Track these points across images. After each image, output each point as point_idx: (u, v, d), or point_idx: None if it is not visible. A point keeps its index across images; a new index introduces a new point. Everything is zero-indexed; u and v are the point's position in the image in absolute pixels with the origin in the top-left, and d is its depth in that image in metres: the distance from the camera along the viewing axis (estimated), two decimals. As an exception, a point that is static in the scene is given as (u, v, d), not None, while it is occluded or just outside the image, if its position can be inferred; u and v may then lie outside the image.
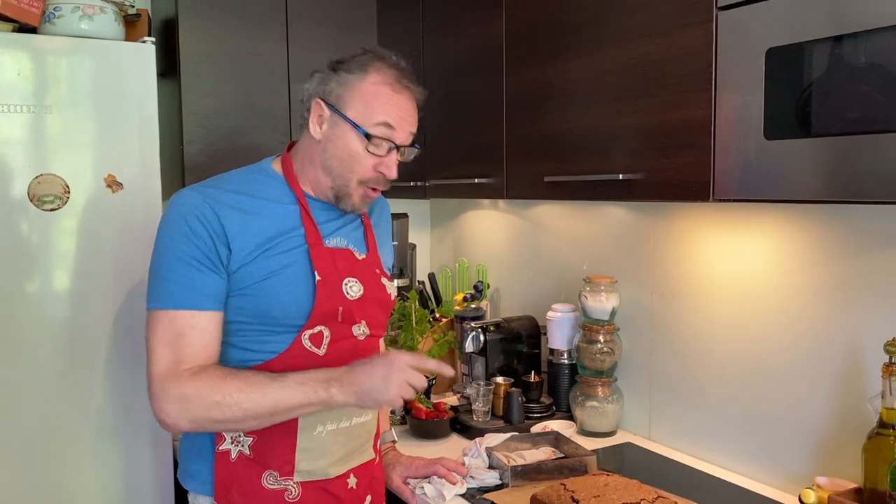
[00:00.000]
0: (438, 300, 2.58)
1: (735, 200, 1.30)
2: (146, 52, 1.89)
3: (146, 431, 1.92)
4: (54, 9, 1.83)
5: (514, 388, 2.03)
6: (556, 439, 1.80)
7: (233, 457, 1.34)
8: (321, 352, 1.36)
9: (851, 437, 1.44)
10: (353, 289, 1.39)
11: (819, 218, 1.53)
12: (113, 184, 1.85)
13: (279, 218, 1.36)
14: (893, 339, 1.32)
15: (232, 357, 1.35)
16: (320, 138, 1.37)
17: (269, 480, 1.35)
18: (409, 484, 1.61)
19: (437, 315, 2.46)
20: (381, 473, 1.58)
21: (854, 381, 1.47)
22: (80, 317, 1.83)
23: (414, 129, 1.40)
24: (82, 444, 1.85)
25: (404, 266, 2.60)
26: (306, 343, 1.35)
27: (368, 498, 1.48)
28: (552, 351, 2.13)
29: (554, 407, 2.09)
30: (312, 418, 1.35)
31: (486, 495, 1.56)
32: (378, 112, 1.34)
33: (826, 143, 1.13)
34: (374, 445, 1.51)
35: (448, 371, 1.36)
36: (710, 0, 1.29)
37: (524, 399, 2.04)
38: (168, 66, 2.25)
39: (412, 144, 1.41)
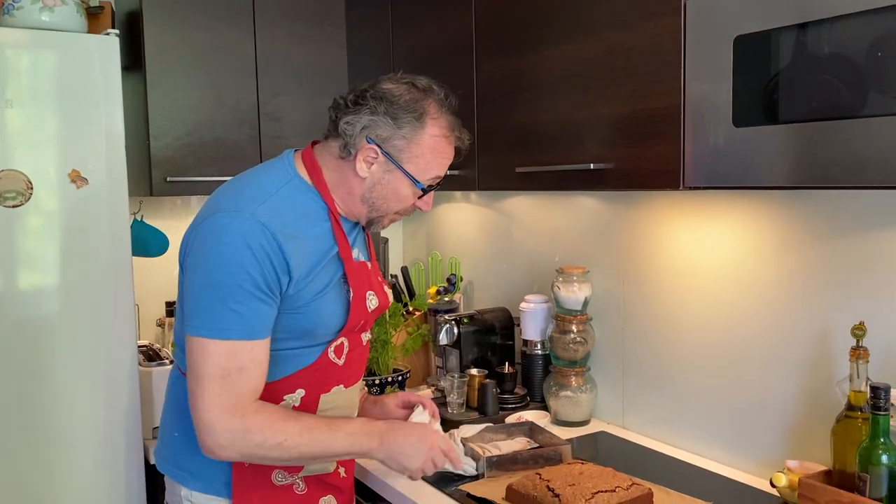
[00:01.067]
0: (412, 294, 2.57)
1: (705, 188, 1.31)
2: (110, 45, 1.85)
3: (117, 430, 1.88)
4: (13, 0, 1.79)
5: (488, 380, 2.03)
6: (531, 429, 1.81)
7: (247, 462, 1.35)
8: (341, 362, 1.40)
9: (821, 420, 1.46)
10: (372, 302, 1.42)
11: (787, 205, 1.55)
12: (77, 179, 1.81)
13: (319, 238, 1.35)
14: (860, 324, 1.34)
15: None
16: (366, 176, 1.35)
17: (279, 477, 1.38)
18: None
19: (411, 308, 2.46)
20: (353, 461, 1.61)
21: (823, 366, 1.50)
22: (46, 315, 1.79)
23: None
24: (51, 441, 1.81)
25: (377, 260, 2.59)
26: (332, 356, 1.38)
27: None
28: (526, 342, 2.13)
29: (528, 397, 2.10)
30: None
31: (462, 486, 1.56)
32: (434, 168, 1.37)
33: (793, 129, 1.14)
34: None
35: (456, 462, 1.46)
36: (678, -11, 1.30)
37: (498, 390, 2.05)
38: (133, 60, 2.21)
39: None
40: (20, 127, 1.75)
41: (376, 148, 1.33)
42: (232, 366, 1.23)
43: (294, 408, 1.37)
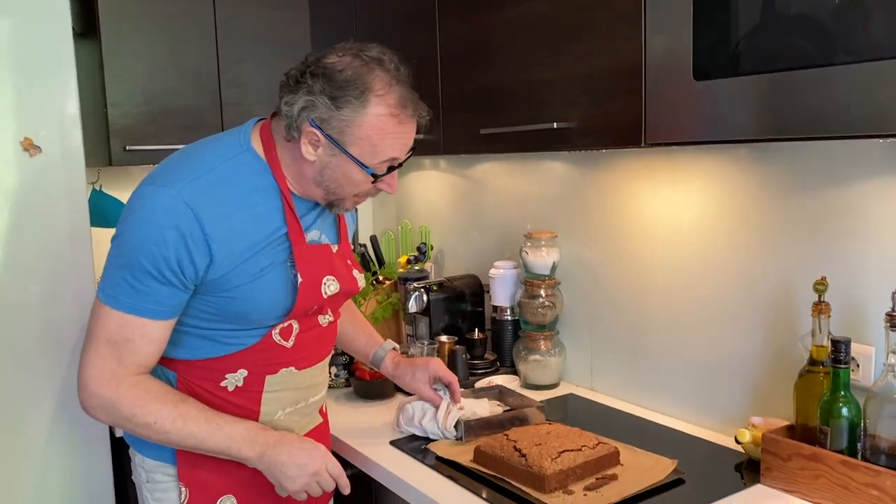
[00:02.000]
0: (381, 262, 2.55)
1: (667, 144, 1.30)
2: (60, 7, 1.78)
3: (78, 432, 1.85)
4: (-44, -39, 1.72)
5: (458, 346, 2.02)
6: (501, 392, 1.81)
7: None
8: (289, 344, 1.34)
9: (785, 376, 1.47)
10: (330, 287, 1.35)
11: (750, 161, 1.55)
12: (30, 147, 1.75)
13: (263, 216, 1.27)
14: (822, 279, 1.34)
15: (197, 347, 1.31)
16: (314, 160, 1.26)
17: None
18: (436, 389, 1.64)
19: (381, 278, 2.44)
20: (327, 433, 1.57)
21: (786, 322, 1.50)
22: (1, 289, 1.75)
23: (413, 141, 1.31)
24: (10, 417, 1.78)
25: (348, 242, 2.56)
26: (276, 338, 1.33)
27: None
28: (495, 308, 2.12)
29: (498, 363, 2.10)
30: (274, 404, 1.37)
31: (431, 447, 1.56)
32: (385, 150, 1.24)
33: (752, 81, 1.13)
34: (321, 410, 1.52)
35: (345, 488, 1.35)
36: (638, -60, 1.27)
37: (468, 356, 2.04)
38: (88, 26, 2.14)
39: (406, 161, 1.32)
40: (-32, 93, 1.69)
41: (317, 131, 1.22)
42: (119, 336, 1.21)
43: (237, 388, 1.32)
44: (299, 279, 1.28)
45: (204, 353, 1.31)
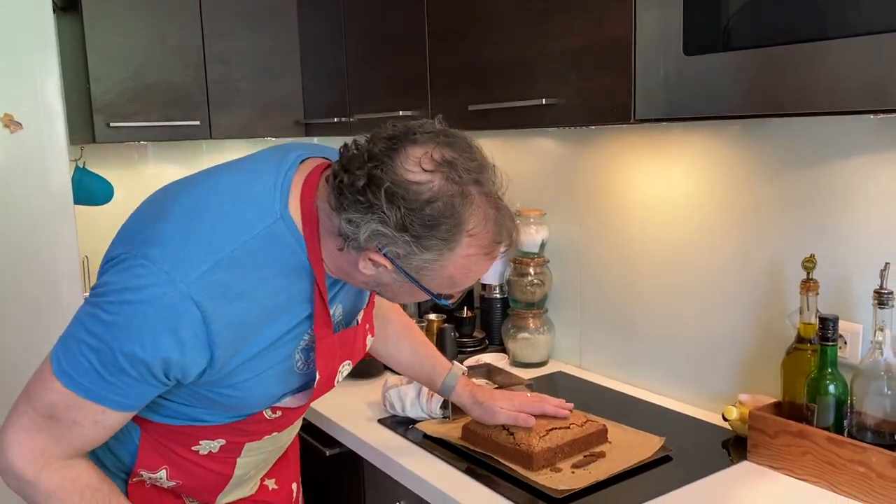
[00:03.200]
0: (370, 241, 2.53)
1: (656, 120, 1.28)
2: (39, -19, 1.76)
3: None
4: (-69, -68, 1.68)
5: (446, 325, 2.01)
6: (489, 371, 1.80)
7: (147, 484, 1.18)
8: (277, 415, 1.16)
9: (773, 353, 1.47)
10: (345, 371, 1.17)
11: (738, 138, 1.53)
12: (11, 123, 1.73)
13: (285, 308, 1.03)
14: (810, 256, 1.34)
15: (173, 416, 1.11)
16: (371, 274, 1.00)
17: (189, 502, 1.23)
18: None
19: (369, 256, 2.42)
20: (294, 458, 1.45)
21: (774, 299, 1.50)
22: (-16, 267, 1.73)
23: None
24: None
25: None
26: (267, 414, 1.14)
27: (294, 485, 1.42)
28: (484, 286, 2.12)
29: (487, 341, 2.09)
30: (248, 467, 1.23)
31: (419, 426, 1.56)
32: (465, 283, 1.01)
33: (743, 56, 1.11)
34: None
35: None
36: (629, -88, 1.25)
37: (457, 334, 2.04)
38: (69, 0, 2.10)
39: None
40: (-55, 69, 1.66)
41: (387, 262, 0.96)
42: (65, 416, 0.98)
43: (211, 453, 1.15)
44: (317, 377, 1.09)
45: (180, 422, 1.12)
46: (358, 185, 0.93)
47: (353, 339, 1.16)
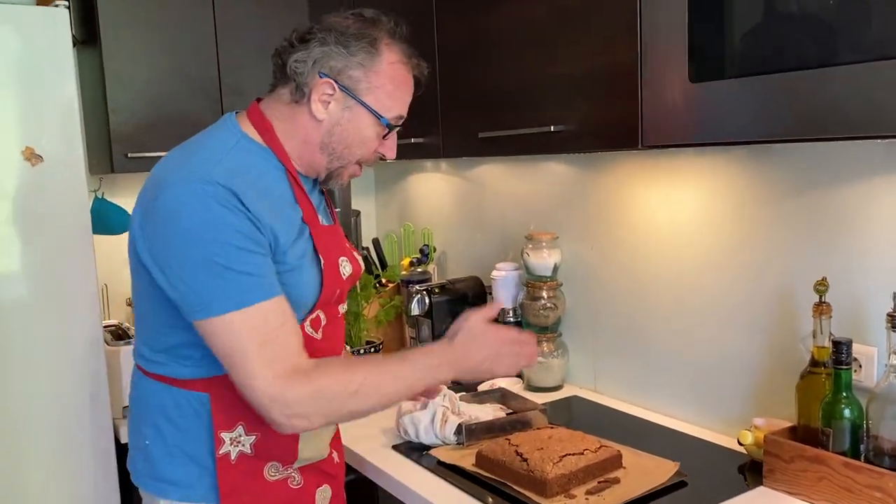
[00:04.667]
0: (383, 265, 2.55)
1: (664, 147, 1.29)
2: (60, 17, 1.80)
3: (84, 412, 1.86)
4: (-44, -27, 1.73)
5: (460, 349, 2.01)
6: (503, 395, 1.80)
7: (233, 458, 1.24)
8: (319, 335, 1.29)
9: (788, 377, 1.46)
10: (345, 268, 1.31)
11: (748, 162, 1.54)
12: (32, 156, 1.77)
13: (281, 200, 1.22)
14: (822, 279, 1.34)
15: None
16: (324, 118, 1.23)
17: (272, 472, 1.28)
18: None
19: (384, 280, 2.44)
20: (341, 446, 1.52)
21: (787, 323, 1.50)
22: (5, 299, 1.76)
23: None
24: (15, 429, 1.79)
25: (348, 233, 2.56)
26: (308, 330, 1.26)
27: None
28: (499, 311, 2.12)
29: (501, 365, 2.09)
30: None
31: (433, 452, 1.56)
32: (398, 100, 1.26)
33: (749, 82, 1.12)
34: None
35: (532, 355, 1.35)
36: (632, -58, 1.27)
37: (471, 359, 2.03)
38: (88, 34, 2.15)
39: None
40: (-31, 104, 1.70)
41: (331, 81, 1.21)
42: (269, 329, 1.11)
43: None
44: (322, 261, 1.24)
45: None
46: (296, 36, 1.24)
47: (339, 239, 1.34)
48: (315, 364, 1.16)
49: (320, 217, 1.30)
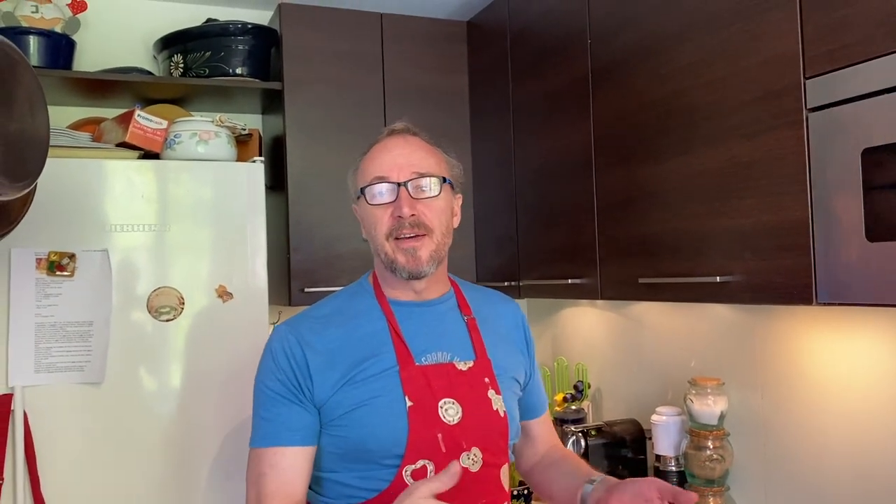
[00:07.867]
0: (538, 400, 2.53)
1: (840, 304, 1.23)
2: (256, 171, 2.03)
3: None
4: (175, 136, 2.01)
5: (618, 497, 1.93)
6: (665, 555, 1.69)
7: None
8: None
9: None
10: (449, 412, 1.24)
11: (942, 317, 1.43)
12: (224, 294, 1.96)
13: (367, 339, 1.28)
14: None
15: (331, 493, 1.27)
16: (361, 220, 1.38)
17: None
18: None
19: (538, 416, 2.41)
20: None
21: None
22: (190, 416, 1.91)
23: (417, 165, 1.29)
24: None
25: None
26: (408, 480, 1.20)
27: None
28: (658, 457, 2.03)
29: (662, 517, 1.98)
30: None
31: None
32: (370, 170, 1.31)
33: (936, 244, 1.07)
34: None
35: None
36: (800, 101, 1.27)
37: (630, 509, 1.94)
38: (276, 180, 2.40)
39: (420, 176, 1.28)
40: (176, 247, 1.93)
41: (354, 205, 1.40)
42: (255, 474, 1.24)
43: None
44: (408, 403, 1.22)
45: (341, 502, 1.25)
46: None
47: (454, 378, 1.27)
48: None
49: (435, 356, 1.27)
